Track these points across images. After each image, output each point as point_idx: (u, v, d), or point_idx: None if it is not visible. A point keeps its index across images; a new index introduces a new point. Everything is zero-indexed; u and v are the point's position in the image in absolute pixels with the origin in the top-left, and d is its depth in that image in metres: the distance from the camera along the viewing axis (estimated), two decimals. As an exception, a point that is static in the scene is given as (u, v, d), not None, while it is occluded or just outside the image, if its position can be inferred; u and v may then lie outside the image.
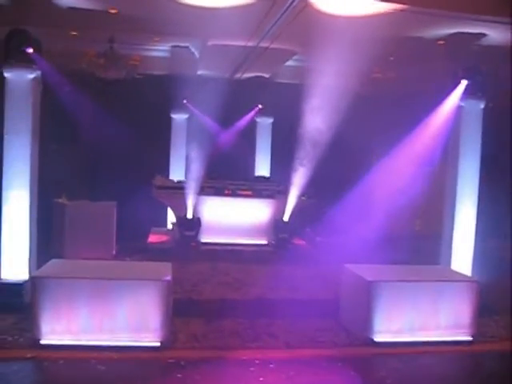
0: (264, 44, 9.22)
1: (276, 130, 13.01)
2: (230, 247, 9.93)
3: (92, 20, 8.10)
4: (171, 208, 10.39)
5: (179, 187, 9.88)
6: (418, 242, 13.88)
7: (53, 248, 9.49)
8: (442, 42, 8.27)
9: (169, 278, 5.77)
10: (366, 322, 6.39)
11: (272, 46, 9.24)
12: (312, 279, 8.50)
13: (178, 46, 11.85)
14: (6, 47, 7.18)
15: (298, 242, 10.44)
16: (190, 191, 9.75)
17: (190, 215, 9.63)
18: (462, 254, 8.25)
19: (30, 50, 7.07)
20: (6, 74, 7.07)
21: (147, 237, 11.19)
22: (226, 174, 10.81)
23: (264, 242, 10.26)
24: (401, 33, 7.91)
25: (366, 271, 6.78)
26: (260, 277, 8.49)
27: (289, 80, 12.65)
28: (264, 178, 11.33)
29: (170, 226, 12.03)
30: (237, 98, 12.17)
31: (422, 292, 6.50)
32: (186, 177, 11.83)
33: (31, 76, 7.10)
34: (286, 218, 9.99)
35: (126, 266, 6.42)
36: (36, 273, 5.63)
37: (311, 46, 9.64)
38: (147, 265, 6.75)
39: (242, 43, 9.44)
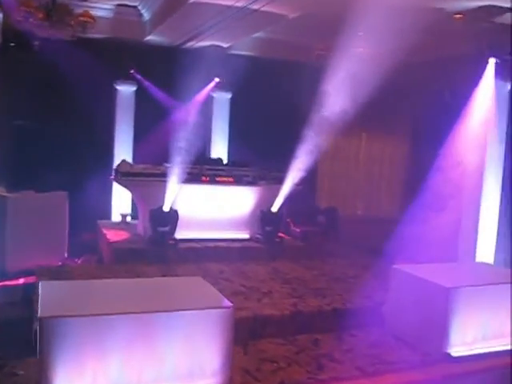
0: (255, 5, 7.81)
1: (235, 106, 11.53)
2: (211, 243, 8.40)
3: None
4: (139, 199, 8.60)
5: (151, 174, 8.14)
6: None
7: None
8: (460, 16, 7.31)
9: (229, 303, 4.25)
10: (441, 335, 5.31)
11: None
12: (332, 281, 7.29)
13: (124, 5, 10.06)
14: None
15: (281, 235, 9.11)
16: (164, 178, 8.06)
17: (166, 207, 7.94)
18: (485, 248, 7.47)
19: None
20: None
21: (98, 233, 9.34)
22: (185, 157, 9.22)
23: (245, 235, 8.84)
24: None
25: (430, 274, 5.71)
26: (269, 281, 7.13)
27: (249, 52, 11.25)
28: (221, 160, 9.78)
29: (117, 219, 10.22)
30: (191, 70, 10.53)
31: (498, 296, 5.54)
32: (133, 161, 10.10)
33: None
34: (274, 208, 8.63)
35: (150, 288, 4.71)
36: (44, 311, 3.81)
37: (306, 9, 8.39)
38: (175, 282, 5.08)
39: (223, 2, 7.91)
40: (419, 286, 5.62)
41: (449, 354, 5.30)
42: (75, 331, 3.74)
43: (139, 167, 8.22)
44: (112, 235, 8.60)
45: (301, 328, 5.79)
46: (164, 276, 7.05)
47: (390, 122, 12.73)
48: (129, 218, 10.13)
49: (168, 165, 8.59)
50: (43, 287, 4.32)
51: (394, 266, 6.10)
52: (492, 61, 7.08)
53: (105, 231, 8.89)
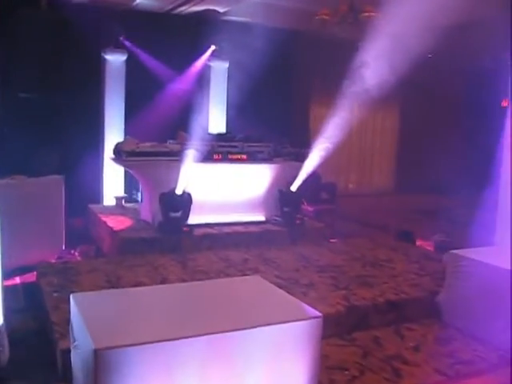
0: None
1: (233, 76, 10.65)
2: (227, 228, 7.65)
3: None
4: (146, 181, 7.72)
5: (160, 153, 7.27)
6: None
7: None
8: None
9: (317, 312, 3.54)
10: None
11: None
12: (368, 266, 6.65)
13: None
14: None
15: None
16: (174, 158, 7.23)
17: (178, 190, 7.13)
18: None
19: None
20: None
21: (92, 219, 8.46)
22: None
23: (261, 218, 8.11)
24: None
25: (495, 259, 5.12)
26: (303, 270, 6.44)
27: (247, 18, 10.36)
28: (231, 135, 8.86)
29: (111, 202, 9.34)
30: (185, 37, 9.65)
31: None
32: (124, 138, 9.20)
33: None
34: (294, 187, 7.91)
35: (208, 295, 3.92)
36: (96, 340, 2.99)
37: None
38: (233, 285, 4.27)
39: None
40: (487, 273, 5.01)
41: (526, 349, 4.74)
42: (139, 360, 2.97)
43: (146, 145, 7.33)
44: (114, 222, 7.74)
45: (356, 325, 5.14)
46: (184, 267, 6.32)
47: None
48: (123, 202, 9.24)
49: (172, 142, 7.75)
50: (76, 303, 3.49)
51: (451, 251, 5.49)
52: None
53: (103, 218, 8.02)
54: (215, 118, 10.38)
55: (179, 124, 8.54)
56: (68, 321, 3.66)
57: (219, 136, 7.99)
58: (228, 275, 6.07)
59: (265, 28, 9.98)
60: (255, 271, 6.26)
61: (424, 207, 12.07)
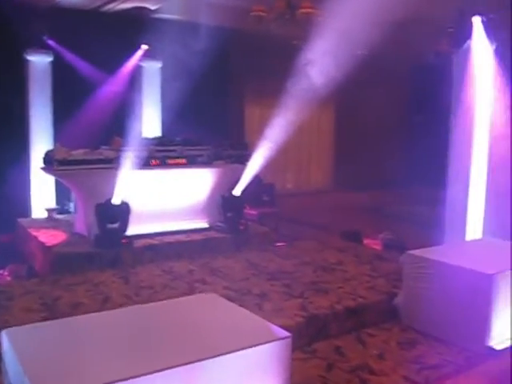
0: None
1: (166, 77, 10.20)
2: (169, 238, 7.22)
3: None
4: (80, 192, 7.15)
5: (94, 160, 6.75)
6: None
7: None
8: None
9: (285, 332, 3.23)
10: (481, 327, 4.64)
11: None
12: (319, 271, 6.41)
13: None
14: None
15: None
16: (109, 165, 6.74)
17: (115, 200, 6.64)
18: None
19: None
20: None
21: (22, 235, 7.81)
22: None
23: (204, 224, 7.73)
24: None
25: (454, 258, 5.01)
26: (253, 278, 6.12)
27: (179, 16, 9.93)
28: (169, 139, 8.34)
29: (42, 215, 8.69)
30: (115, 36, 9.13)
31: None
32: (54, 145, 8.59)
33: None
34: (237, 191, 7.58)
35: (161, 320, 3.49)
36: None
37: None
38: (189, 305, 3.85)
39: None
40: (448, 273, 4.88)
41: (491, 348, 4.64)
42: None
43: (79, 153, 6.78)
44: (45, 237, 7.14)
45: (316, 335, 4.88)
46: (126, 282, 5.87)
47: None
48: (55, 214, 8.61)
49: (106, 148, 7.24)
50: (10, 340, 3.01)
51: (408, 252, 5.34)
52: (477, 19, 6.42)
53: (34, 232, 7.39)
54: (149, 121, 9.89)
55: (113, 129, 8.01)
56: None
57: (156, 140, 7.54)
58: (174, 289, 5.68)
59: (199, 26, 9.61)
60: (202, 283, 5.89)
61: (365, 205, 12.08)
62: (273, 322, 3.42)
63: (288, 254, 7.20)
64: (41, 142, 8.81)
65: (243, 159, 7.81)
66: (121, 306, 4.90)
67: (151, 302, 4.23)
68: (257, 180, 9.04)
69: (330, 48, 7.27)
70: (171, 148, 7.40)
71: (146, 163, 7.13)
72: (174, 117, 9.73)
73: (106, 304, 5.17)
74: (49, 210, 8.55)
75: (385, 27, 6.72)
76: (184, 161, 7.40)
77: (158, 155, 7.26)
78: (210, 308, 3.65)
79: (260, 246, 7.53)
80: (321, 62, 7.54)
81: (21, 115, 8.89)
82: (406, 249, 5.62)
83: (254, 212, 8.78)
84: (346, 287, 5.75)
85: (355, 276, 6.17)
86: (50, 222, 8.28)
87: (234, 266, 6.58)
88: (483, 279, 4.59)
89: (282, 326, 3.39)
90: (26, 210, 9.01)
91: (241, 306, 4.58)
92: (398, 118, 14.27)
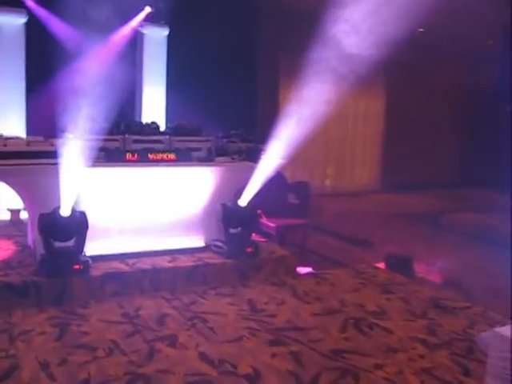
0: None
1: (174, 47, 8.24)
2: (145, 262, 5.25)
3: None
4: (23, 196, 5.26)
5: (39, 153, 4.85)
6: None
7: None
8: None
9: None
10: None
11: None
12: (353, 328, 4.31)
13: None
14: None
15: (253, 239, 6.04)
16: (62, 160, 4.79)
17: (66, 209, 4.72)
18: None
19: None
20: None
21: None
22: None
23: (199, 242, 5.73)
24: None
25: None
26: (248, 340, 4.09)
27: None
28: (155, 126, 6.42)
29: (5, 216, 6.90)
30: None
31: None
32: (27, 132, 6.81)
33: None
34: (243, 200, 5.54)
35: None
36: None
37: None
38: None
39: None
40: None
41: None
42: None
43: (20, 142, 4.89)
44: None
45: None
46: (61, 335, 3.97)
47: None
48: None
49: (69, 135, 5.31)
50: None
51: (494, 330, 3.19)
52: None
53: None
54: (151, 105, 7.93)
55: (92, 110, 6.09)
56: None
57: (136, 126, 5.56)
58: (124, 355, 3.73)
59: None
60: (170, 343, 3.91)
61: (419, 212, 9.90)
62: None
63: (310, 293, 5.16)
64: (10, 122, 7.02)
65: (257, 155, 5.76)
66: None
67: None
68: (278, 179, 6.99)
69: (382, 19, 5.36)
70: (156, 138, 5.42)
71: (119, 158, 5.18)
72: (182, 99, 7.79)
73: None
74: (12, 211, 6.74)
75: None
76: (173, 156, 5.41)
77: (136, 147, 5.30)
78: None
79: (274, 277, 5.51)
80: (363, 38, 5.62)
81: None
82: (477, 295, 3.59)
83: (272, 224, 6.69)
84: (387, 367, 3.66)
85: (403, 343, 4.07)
86: (11, 227, 6.48)
87: (227, 313, 4.58)
88: None
89: None
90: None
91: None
92: (471, 108, 11.96)
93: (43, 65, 7.05)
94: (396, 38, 5.49)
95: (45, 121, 6.15)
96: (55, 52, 7.07)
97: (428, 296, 5.16)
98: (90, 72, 7.21)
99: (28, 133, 7.08)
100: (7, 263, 5.10)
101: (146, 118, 7.85)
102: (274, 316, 4.54)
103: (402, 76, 11.49)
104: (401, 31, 5.68)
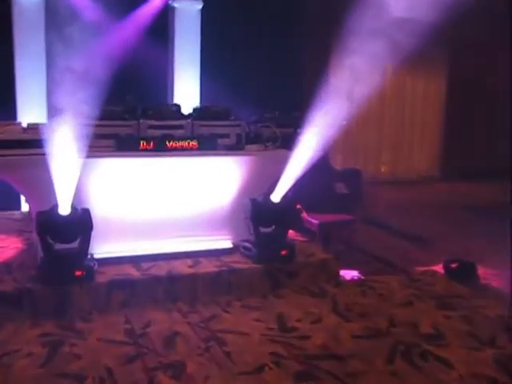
0: None
1: (209, 22, 7.49)
2: (162, 266, 4.55)
3: None
4: (21, 191, 4.69)
5: (35, 142, 4.21)
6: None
7: None
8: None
9: None
10: None
11: None
12: (402, 356, 3.47)
13: None
14: None
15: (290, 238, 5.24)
16: (65, 149, 4.14)
17: (66, 207, 4.08)
18: None
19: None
20: None
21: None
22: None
23: (226, 243, 4.99)
24: None
25: None
26: (270, 372, 3.32)
27: None
28: (176, 108, 5.52)
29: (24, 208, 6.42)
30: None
31: None
32: (49, 116, 6.26)
33: None
34: (276, 195, 4.76)
35: None
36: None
37: None
38: None
39: None
40: None
41: None
42: None
43: (17, 129, 4.27)
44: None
45: None
46: (49, 358, 3.35)
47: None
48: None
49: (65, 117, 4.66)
50: None
51: None
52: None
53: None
54: (183, 88, 7.23)
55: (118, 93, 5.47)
56: None
57: (152, 109, 4.84)
58: (118, 388, 3.03)
59: None
60: (176, 373, 3.21)
61: (484, 203, 8.84)
62: None
63: (354, 307, 4.34)
64: (32, 103, 6.51)
65: (294, 141, 4.94)
66: None
67: None
68: (323, 166, 6.13)
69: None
70: (175, 123, 4.70)
71: (131, 146, 4.50)
72: (218, 79, 7.05)
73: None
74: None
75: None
76: (195, 143, 4.67)
77: (152, 134, 4.59)
78: None
79: (312, 285, 4.71)
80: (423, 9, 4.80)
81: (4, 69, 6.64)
82: None
83: (314, 221, 5.86)
84: None
85: (465, 379, 3.20)
86: (25, 221, 5.97)
87: (250, 332, 3.83)
88: None
89: None
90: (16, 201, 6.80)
91: None
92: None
93: (62, 44, 6.43)
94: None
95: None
96: (75, 29, 6.47)
97: (497, 314, 4.23)
98: (114, 50, 6.59)
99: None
100: (7, 265, 4.52)
101: (177, 99, 7.16)
102: (306, 338, 3.76)
103: (469, 55, 10.38)
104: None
